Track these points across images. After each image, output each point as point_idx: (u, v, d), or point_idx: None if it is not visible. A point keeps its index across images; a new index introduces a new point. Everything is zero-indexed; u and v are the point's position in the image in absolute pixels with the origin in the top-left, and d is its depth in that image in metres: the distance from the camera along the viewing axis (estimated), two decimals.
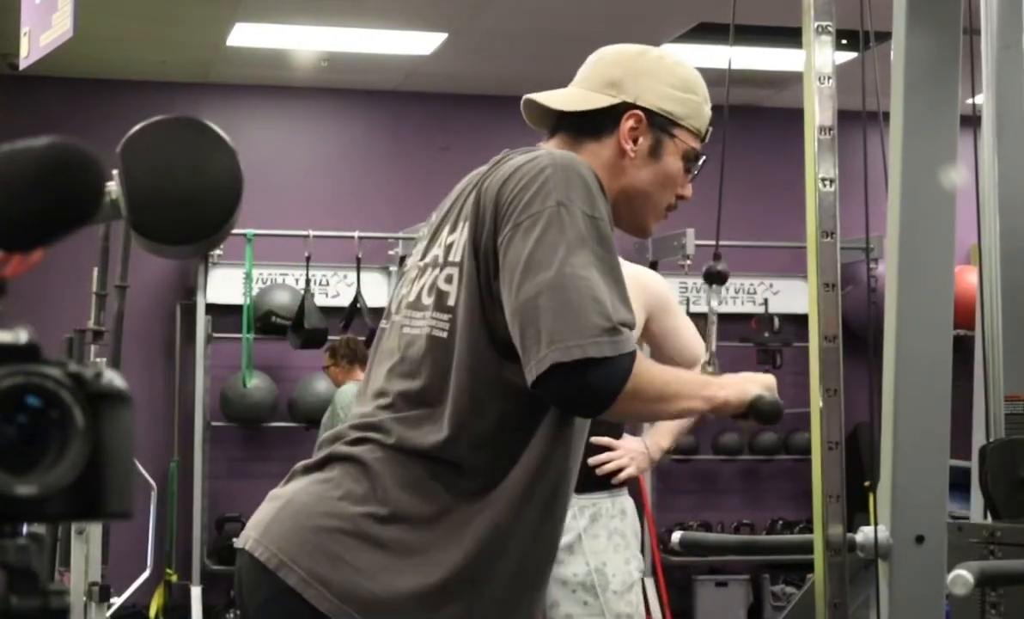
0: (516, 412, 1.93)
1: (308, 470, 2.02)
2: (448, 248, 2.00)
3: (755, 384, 2.00)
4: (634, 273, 3.21)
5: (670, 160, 2.09)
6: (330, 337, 7.47)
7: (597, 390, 1.84)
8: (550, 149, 2.01)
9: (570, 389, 1.83)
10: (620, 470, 3.26)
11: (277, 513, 1.97)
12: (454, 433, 1.92)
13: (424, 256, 2.07)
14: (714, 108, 2.19)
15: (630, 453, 3.26)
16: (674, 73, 2.12)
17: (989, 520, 2.37)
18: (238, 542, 2.01)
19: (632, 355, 1.84)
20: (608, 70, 2.12)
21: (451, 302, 1.96)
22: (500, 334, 1.90)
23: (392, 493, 1.92)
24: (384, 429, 1.96)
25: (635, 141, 2.07)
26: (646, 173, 2.09)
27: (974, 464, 2.59)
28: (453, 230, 2.01)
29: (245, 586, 1.99)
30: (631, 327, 1.86)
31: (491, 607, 1.95)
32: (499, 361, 1.91)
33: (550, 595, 3.16)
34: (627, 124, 2.07)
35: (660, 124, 2.08)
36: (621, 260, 3.16)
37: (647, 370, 1.89)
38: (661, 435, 3.32)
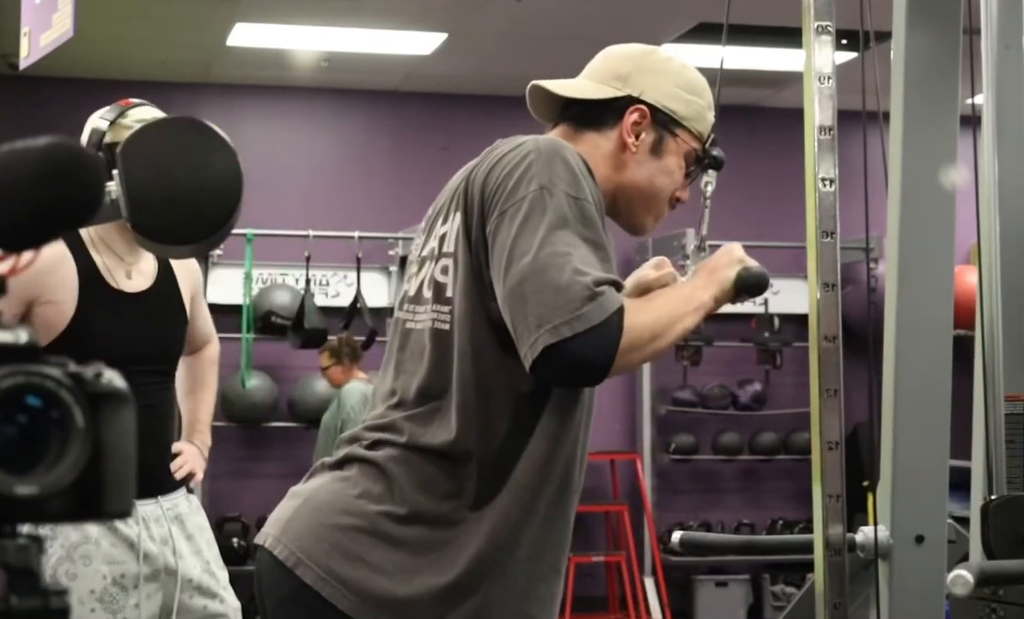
0: (523, 400, 1.93)
1: (328, 468, 2.03)
2: (442, 239, 2.01)
3: (730, 266, 2.00)
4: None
5: (671, 159, 2.10)
6: (330, 337, 7.47)
7: (593, 359, 1.83)
8: (535, 137, 2.01)
9: (566, 367, 1.82)
10: (192, 474, 3.17)
11: (296, 511, 1.98)
12: (462, 426, 1.92)
13: (421, 250, 2.08)
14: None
15: (193, 456, 3.22)
16: (681, 74, 2.13)
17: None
18: (257, 539, 2.03)
19: (620, 311, 1.82)
20: (617, 64, 2.13)
21: (449, 293, 1.97)
22: (497, 321, 1.90)
23: (409, 494, 1.92)
24: (396, 429, 1.97)
25: (637, 136, 2.08)
26: (646, 170, 2.09)
27: (973, 470, 2.58)
28: (445, 221, 2.02)
29: (264, 584, 2.00)
30: (616, 284, 1.85)
31: (507, 598, 1.95)
32: (500, 349, 1.91)
33: (173, 609, 2.99)
34: (631, 118, 2.08)
35: (663, 121, 2.09)
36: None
37: (636, 318, 1.86)
38: (203, 434, 3.33)
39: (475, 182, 1.96)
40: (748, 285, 2.00)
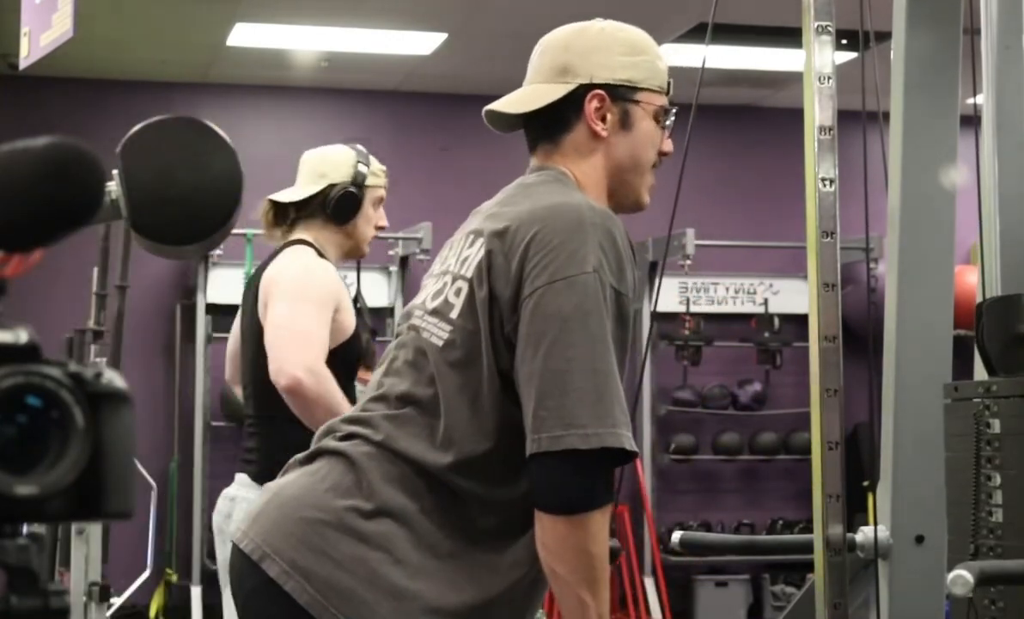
0: (515, 443, 1.90)
1: (299, 464, 2.04)
2: (463, 261, 2.00)
3: None
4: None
5: (643, 125, 2.08)
6: None
7: (581, 486, 1.84)
8: (590, 202, 1.99)
9: (571, 476, 1.83)
10: None
11: (265, 506, 1.99)
12: (445, 444, 1.92)
13: (444, 261, 2.08)
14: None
15: None
16: (619, 40, 2.11)
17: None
18: (232, 536, 2.03)
19: (610, 497, 1.87)
20: (556, 57, 2.10)
21: (454, 315, 1.96)
22: (504, 366, 1.90)
23: (377, 487, 1.92)
24: (373, 425, 1.97)
25: (603, 119, 2.06)
26: (624, 146, 2.07)
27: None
28: (471, 244, 2.00)
29: (235, 578, 2.01)
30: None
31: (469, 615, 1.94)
32: (500, 392, 1.91)
33: None
34: (591, 106, 2.05)
35: (622, 95, 2.07)
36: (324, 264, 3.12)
37: (606, 534, 1.89)
38: None
39: (518, 229, 1.92)
40: None
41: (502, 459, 1.92)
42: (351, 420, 2.01)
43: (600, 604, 1.90)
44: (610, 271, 1.88)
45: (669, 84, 2.12)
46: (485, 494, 1.93)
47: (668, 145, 2.12)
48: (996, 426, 2.25)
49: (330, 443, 1.99)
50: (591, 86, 2.06)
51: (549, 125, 2.08)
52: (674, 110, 2.12)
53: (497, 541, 1.94)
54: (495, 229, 1.95)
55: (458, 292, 1.97)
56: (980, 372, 2.45)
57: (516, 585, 1.96)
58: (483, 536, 1.93)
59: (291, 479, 2.01)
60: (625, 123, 2.07)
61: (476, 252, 1.97)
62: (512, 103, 2.11)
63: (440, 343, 1.95)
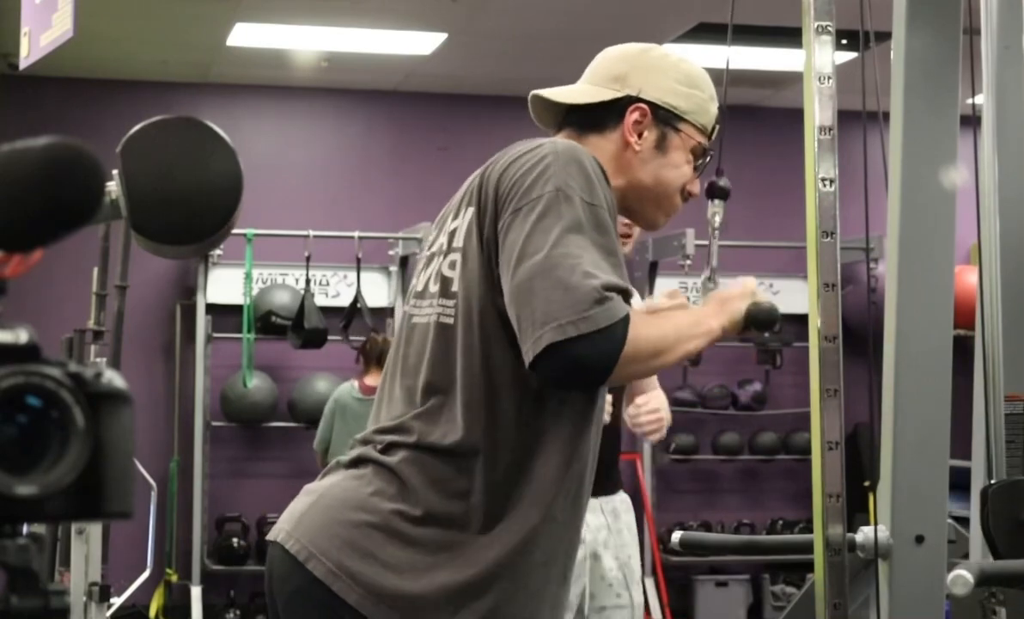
0: (533, 400, 1.93)
1: (343, 467, 2.04)
2: (451, 235, 2.02)
3: (742, 298, 2.04)
4: None
5: (676, 155, 2.11)
6: (330, 337, 7.48)
7: (594, 363, 1.84)
8: (553, 138, 2.03)
9: (567, 367, 1.83)
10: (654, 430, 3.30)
11: (310, 507, 1.99)
12: (469, 424, 1.92)
13: (431, 246, 2.10)
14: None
15: (660, 412, 3.25)
16: (678, 69, 2.14)
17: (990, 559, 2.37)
18: (270, 534, 2.03)
19: (625, 320, 1.83)
20: (613, 66, 2.14)
21: (455, 287, 1.97)
22: (505, 317, 1.91)
23: (423, 494, 1.93)
24: (406, 429, 1.97)
25: (640, 135, 2.09)
26: (652, 167, 2.10)
27: (973, 472, 2.59)
28: (456, 217, 2.03)
29: (275, 577, 2.00)
30: (624, 292, 1.86)
31: (519, 599, 1.95)
32: (508, 345, 1.91)
33: (588, 589, 3.28)
34: (631, 117, 2.09)
35: (664, 118, 2.10)
36: None
37: (640, 330, 1.87)
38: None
39: (490, 179, 1.97)
40: (758, 320, 2.02)
41: (532, 419, 1.93)
42: (386, 430, 2.01)
43: (678, 354, 1.97)
44: (578, 187, 1.89)
45: (714, 129, 2.15)
46: (525, 466, 1.93)
47: (695, 186, 2.16)
48: (1003, 615, 2.24)
49: (371, 453, 1.99)
50: (637, 99, 2.09)
51: (584, 120, 2.12)
52: (710, 156, 2.14)
53: (545, 523, 1.95)
54: (475, 190, 1.99)
55: (452, 265, 1.99)
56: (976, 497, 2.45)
57: (559, 548, 1.98)
58: (532, 522, 1.94)
59: (335, 481, 2.01)
60: (661, 146, 2.10)
61: (463, 220, 2.00)
62: (558, 93, 2.15)
63: (451, 321, 1.97)
